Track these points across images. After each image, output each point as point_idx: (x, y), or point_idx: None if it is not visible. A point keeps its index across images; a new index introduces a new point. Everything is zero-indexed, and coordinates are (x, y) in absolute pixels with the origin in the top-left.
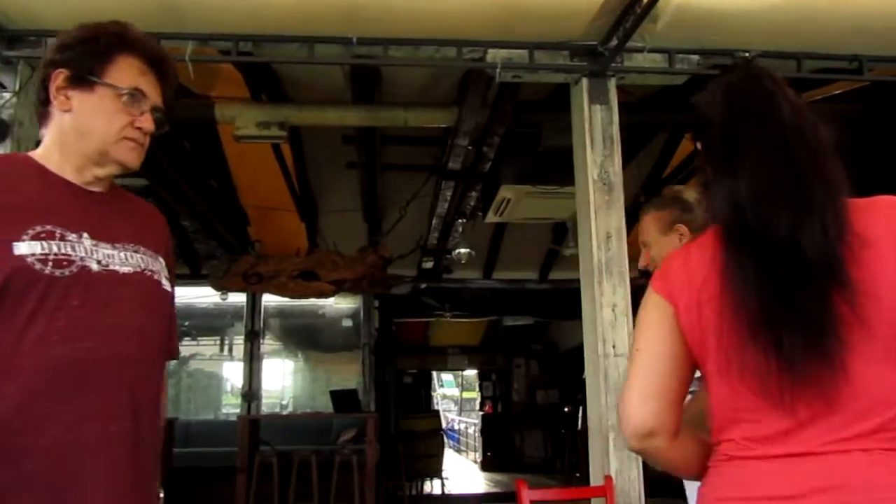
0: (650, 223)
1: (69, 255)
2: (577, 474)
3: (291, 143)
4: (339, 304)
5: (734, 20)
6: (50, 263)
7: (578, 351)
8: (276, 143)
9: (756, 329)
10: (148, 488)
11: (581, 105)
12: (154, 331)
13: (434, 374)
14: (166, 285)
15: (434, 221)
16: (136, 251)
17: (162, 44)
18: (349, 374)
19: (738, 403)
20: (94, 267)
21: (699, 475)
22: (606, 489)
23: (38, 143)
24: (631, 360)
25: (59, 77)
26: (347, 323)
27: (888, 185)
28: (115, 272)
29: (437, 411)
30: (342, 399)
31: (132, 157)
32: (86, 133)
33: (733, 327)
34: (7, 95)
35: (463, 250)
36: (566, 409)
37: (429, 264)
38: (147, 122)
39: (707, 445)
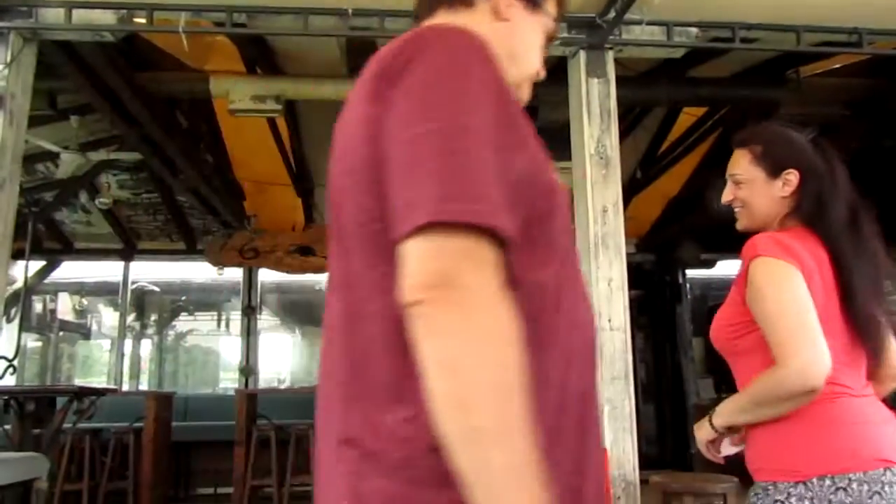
0: None
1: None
2: None
3: (287, 117)
4: None
5: None
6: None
7: None
8: (272, 118)
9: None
10: None
11: (578, 78)
12: None
13: None
14: None
15: None
16: None
17: (154, 15)
18: None
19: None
20: None
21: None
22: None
23: (31, 119)
24: (801, 319)
25: None
26: None
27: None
28: None
29: None
30: None
31: (524, 101)
32: (517, 58)
33: (834, 304)
34: None
35: None
36: None
37: None
38: (543, 70)
39: None
